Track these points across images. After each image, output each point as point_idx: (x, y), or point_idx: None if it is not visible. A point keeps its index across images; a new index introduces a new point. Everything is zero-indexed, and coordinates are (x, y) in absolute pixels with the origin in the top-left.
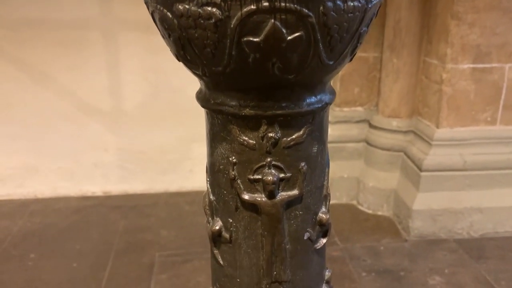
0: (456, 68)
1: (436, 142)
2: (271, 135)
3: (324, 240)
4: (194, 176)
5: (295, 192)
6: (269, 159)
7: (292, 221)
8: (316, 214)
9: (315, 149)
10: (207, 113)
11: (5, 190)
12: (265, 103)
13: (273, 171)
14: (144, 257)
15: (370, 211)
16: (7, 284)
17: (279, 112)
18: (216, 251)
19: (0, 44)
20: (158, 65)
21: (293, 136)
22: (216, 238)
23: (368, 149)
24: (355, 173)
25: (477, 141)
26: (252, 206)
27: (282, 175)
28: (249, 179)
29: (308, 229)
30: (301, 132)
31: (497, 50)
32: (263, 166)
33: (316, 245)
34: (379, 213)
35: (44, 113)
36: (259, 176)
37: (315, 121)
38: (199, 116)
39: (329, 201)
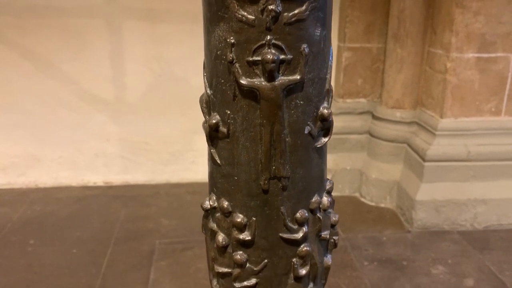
0: (460, 57)
1: (440, 132)
2: (271, 7)
3: (325, 139)
4: (196, 168)
5: (296, 76)
6: (269, 37)
7: (292, 111)
8: (318, 108)
9: (317, 32)
10: None
11: (7, 179)
12: None
13: (273, 50)
14: (144, 245)
15: (372, 203)
16: (7, 269)
17: None
18: (213, 150)
19: (3, 31)
20: (161, 54)
21: (295, 11)
22: (213, 134)
23: (371, 140)
24: (358, 165)
25: (481, 132)
26: (250, 94)
27: (282, 56)
28: (248, 62)
29: (309, 123)
30: (303, 8)
31: (502, 39)
32: (262, 46)
33: (317, 143)
34: (382, 205)
35: (46, 101)
36: (258, 58)
37: None
38: None
39: (332, 98)
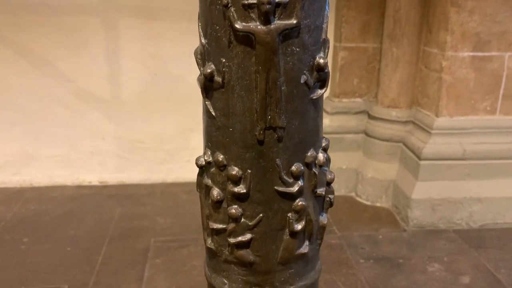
0: (456, 56)
1: (435, 131)
2: None
3: (321, 91)
4: (192, 166)
5: (292, 21)
6: None
7: (288, 58)
8: (314, 57)
9: None
10: None
11: (1, 178)
12: None
13: None
14: (139, 243)
15: (368, 203)
16: (0, 266)
17: None
18: (208, 102)
19: None
20: (157, 52)
21: None
22: (208, 85)
23: (367, 140)
24: (353, 165)
25: (476, 130)
26: (246, 39)
27: None
28: (243, 5)
29: (305, 72)
30: None
31: (497, 38)
32: None
33: (313, 95)
34: (378, 204)
35: (41, 99)
36: (254, 1)
37: None
38: (197, 105)
39: (328, 49)
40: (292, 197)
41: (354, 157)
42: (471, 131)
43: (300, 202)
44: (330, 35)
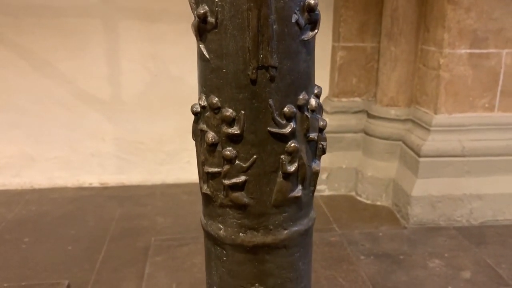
0: (453, 53)
1: (434, 128)
2: None
3: (312, 33)
4: (191, 167)
5: None
6: None
7: None
8: None
9: None
10: None
11: (1, 180)
12: None
13: None
14: (140, 242)
15: (368, 201)
16: (0, 265)
17: None
18: (202, 45)
19: (0, 30)
20: (157, 53)
21: None
22: (201, 27)
23: (366, 139)
24: (353, 164)
25: (475, 127)
26: None
27: None
28: None
29: (295, 11)
30: None
31: (494, 35)
32: None
33: (304, 36)
34: (378, 203)
35: (42, 100)
36: None
37: None
38: None
39: None
40: (284, 138)
41: (353, 156)
42: (469, 128)
43: (293, 144)
44: (328, 36)
